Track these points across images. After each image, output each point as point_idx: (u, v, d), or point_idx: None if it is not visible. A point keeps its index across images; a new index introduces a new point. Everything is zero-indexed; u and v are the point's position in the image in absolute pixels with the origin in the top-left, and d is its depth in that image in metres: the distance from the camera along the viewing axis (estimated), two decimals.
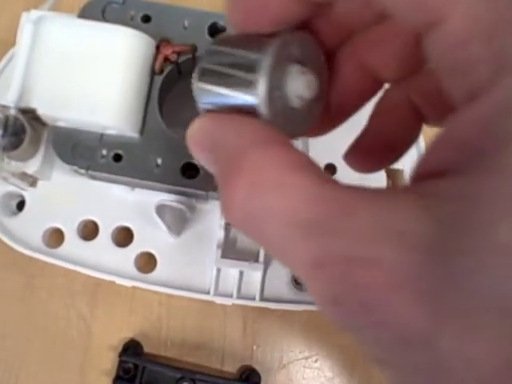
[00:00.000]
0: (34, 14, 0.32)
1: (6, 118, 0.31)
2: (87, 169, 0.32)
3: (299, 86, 0.17)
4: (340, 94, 0.19)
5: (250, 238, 0.15)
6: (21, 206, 0.38)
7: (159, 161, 0.33)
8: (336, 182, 0.14)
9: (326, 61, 0.18)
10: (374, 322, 0.12)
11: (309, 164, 0.15)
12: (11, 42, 0.38)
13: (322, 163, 0.37)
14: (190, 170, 0.33)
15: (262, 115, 0.16)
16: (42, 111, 0.31)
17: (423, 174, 0.14)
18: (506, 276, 0.11)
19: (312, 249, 0.13)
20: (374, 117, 0.20)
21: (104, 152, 0.33)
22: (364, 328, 0.13)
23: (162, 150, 0.33)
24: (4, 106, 0.31)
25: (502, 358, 0.11)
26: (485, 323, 0.11)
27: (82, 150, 0.32)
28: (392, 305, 0.12)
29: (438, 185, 0.13)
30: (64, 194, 0.37)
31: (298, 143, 0.40)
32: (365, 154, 0.20)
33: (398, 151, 0.19)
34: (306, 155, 0.15)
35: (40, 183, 0.37)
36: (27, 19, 0.32)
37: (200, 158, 0.17)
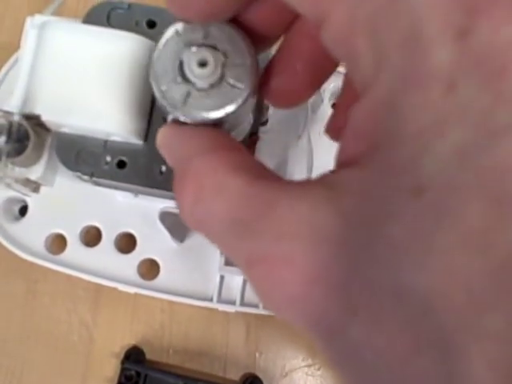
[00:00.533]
0: (39, 19, 0.32)
1: (10, 125, 0.31)
2: (91, 175, 0.32)
3: (192, 64, 0.19)
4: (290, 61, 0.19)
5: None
6: (23, 210, 0.38)
7: (163, 168, 0.32)
8: (269, 179, 0.15)
9: (251, 45, 0.19)
10: (300, 316, 0.13)
11: (248, 165, 0.15)
12: (15, 46, 0.38)
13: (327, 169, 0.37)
14: None
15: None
16: (46, 117, 0.31)
17: (338, 163, 0.14)
18: (397, 267, 0.11)
19: (243, 249, 0.14)
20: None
21: (108, 159, 0.32)
22: (294, 321, 0.13)
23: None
24: (8, 112, 0.30)
25: (403, 346, 0.11)
26: (385, 314, 0.11)
27: (86, 157, 0.32)
28: (309, 299, 0.13)
29: (343, 176, 0.13)
30: (67, 200, 0.37)
31: (303, 154, 0.39)
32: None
33: None
34: (251, 157, 0.16)
35: (43, 189, 0.36)
36: (32, 24, 0.32)
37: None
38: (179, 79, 0.19)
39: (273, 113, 0.36)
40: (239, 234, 0.14)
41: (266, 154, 0.37)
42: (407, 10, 0.11)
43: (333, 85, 0.38)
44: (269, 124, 0.38)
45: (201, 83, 0.19)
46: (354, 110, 0.13)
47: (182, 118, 0.19)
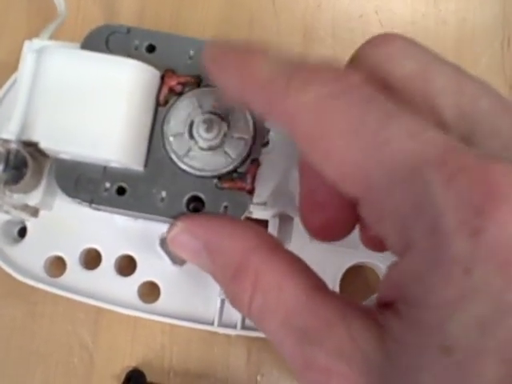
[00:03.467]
0: (37, 43, 0.31)
1: (8, 152, 0.30)
2: (90, 202, 0.32)
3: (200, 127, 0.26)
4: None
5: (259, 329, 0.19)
6: (22, 232, 0.37)
7: (163, 194, 0.32)
8: (324, 291, 0.18)
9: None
10: None
11: (304, 271, 0.18)
12: (12, 66, 0.37)
13: None
14: (195, 202, 0.32)
15: None
16: (45, 145, 0.30)
17: (379, 301, 0.17)
18: None
19: (302, 354, 0.17)
20: None
21: (107, 185, 0.32)
22: None
23: (167, 182, 0.32)
24: (5, 141, 0.30)
25: None
26: None
27: (85, 183, 0.32)
28: None
29: (387, 319, 0.16)
30: (66, 222, 0.37)
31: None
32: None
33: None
34: (303, 261, 0.19)
35: (42, 212, 0.36)
36: (29, 48, 0.31)
37: (190, 259, 0.22)
38: (186, 136, 0.26)
39: (274, 134, 0.36)
40: (299, 338, 0.17)
41: (267, 173, 0.37)
42: (431, 206, 0.14)
43: None
44: (270, 144, 0.38)
45: (202, 143, 0.22)
46: (391, 266, 0.16)
47: (182, 167, 0.22)
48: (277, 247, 0.19)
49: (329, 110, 0.16)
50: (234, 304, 0.19)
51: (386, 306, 0.16)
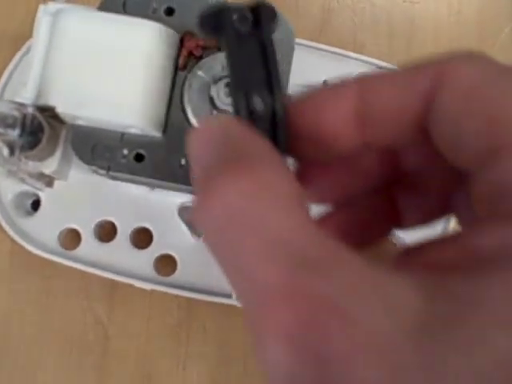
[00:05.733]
0: (52, 6, 0.31)
1: (24, 117, 0.30)
2: (108, 169, 0.31)
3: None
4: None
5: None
6: (35, 205, 0.37)
7: (183, 161, 0.31)
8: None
9: None
10: (323, 379, 0.11)
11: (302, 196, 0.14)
12: (26, 37, 0.36)
13: None
14: None
15: None
16: (61, 109, 0.30)
17: (424, 263, 0.14)
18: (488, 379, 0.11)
19: (288, 277, 0.12)
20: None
21: (125, 152, 0.31)
22: (306, 382, 0.11)
23: (186, 149, 0.31)
24: (21, 104, 0.29)
25: None
26: None
27: (102, 150, 0.31)
28: (355, 369, 0.11)
29: (443, 280, 0.13)
30: (81, 194, 0.36)
31: None
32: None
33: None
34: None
35: (56, 183, 0.35)
36: (45, 12, 0.31)
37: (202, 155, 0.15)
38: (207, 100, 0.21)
39: None
40: (290, 262, 0.12)
41: None
42: None
43: None
44: None
45: (223, 107, 0.20)
46: (474, 233, 0.14)
47: None
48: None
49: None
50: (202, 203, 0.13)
51: (431, 266, 0.13)
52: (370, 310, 0.11)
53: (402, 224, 0.19)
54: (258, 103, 0.16)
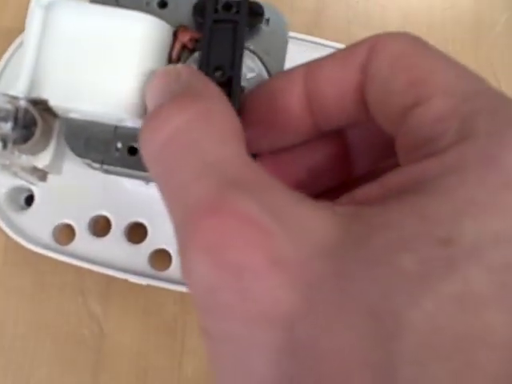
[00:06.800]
0: None
1: (16, 110, 0.29)
2: (101, 163, 0.31)
3: None
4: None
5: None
6: (29, 200, 0.37)
7: None
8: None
9: None
10: (238, 290, 0.12)
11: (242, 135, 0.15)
12: (19, 31, 0.36)
13: None
14: None
15: None
16: (54, 102, 0.29)
17: (347, 202, 0.15)
18: (389, 291, 0.11)
19: (215, 193, 0.13)
20: None
21: (119, 145, 0.31)
22: (223, 293, 0.12)
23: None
24: (13, 97, 0.29)
25: (355, 357, 0.11)
26: (350, 322, 0.11)
27: (96, 143, 0.31)
28: (269, 281, 0.12)
29: (359, 210, 0.13)
30: (75, 189, 0.36)
31: None
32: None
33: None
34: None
35: (50, 177, 0.35)
36: (37, 5, 0.30)
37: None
38: None
39: None
40: (219, 180, 0.13)
41: None
42: None
43: None
44: None
45: None
46: (398, 172, 0.14)
47: None
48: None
49: None
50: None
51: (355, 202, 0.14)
52: (288, 228, 0.12)
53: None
54: (219, 76, 0.19)
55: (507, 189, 0.12)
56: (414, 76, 0.15)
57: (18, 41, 0.36)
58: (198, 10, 0.21)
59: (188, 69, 0.17)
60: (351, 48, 0.17)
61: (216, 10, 0.23)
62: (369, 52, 0.16)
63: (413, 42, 0.16)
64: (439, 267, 0.11)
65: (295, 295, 0.12)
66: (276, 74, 0.19)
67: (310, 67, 0.18)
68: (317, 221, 0.13)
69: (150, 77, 0.18)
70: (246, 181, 0.13)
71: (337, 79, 0.17)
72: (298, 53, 0.37)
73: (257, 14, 0.29)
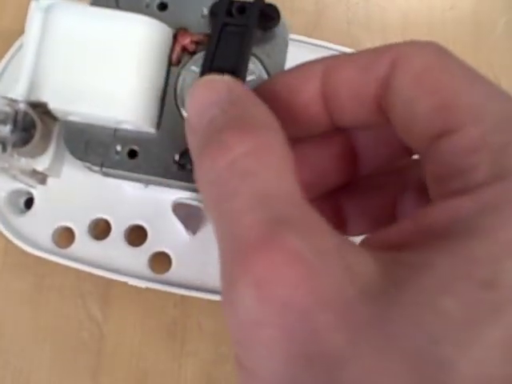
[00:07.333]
0: (44, 2, 0.30)
1: (16, 113, 0.29)
2: (101, 166, 0.31)
3: None
4: None
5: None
6: (29, 203, 0.36)
7: (176, 157, 0.31)
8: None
9: None
10: (282, 327, 0.12)
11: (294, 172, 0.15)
12: (18, 33, 0.36)
13: None
14: None
15: None
16: (54, 105, 0.29)
17: (382, 243, 0.15)
18: (435, 336, 0.11)
19: (265, 227, 0.13)
20: None
21: (118, 148, 0.31)
22: (267, 328, 0.13)
23: (180, 145, 0.31)
24: (13, 100, 0.29)
25: None
26: (395, 368, 0.11)
27: (95, 146, 0.31)
28: (313, 320, 0.12)
29: (398, 254, 0.14)
30: (74, 192, 0.36)
31: None
32: None
33: None
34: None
35: (49, 180, 0.35)
36: (36, 7, 0.30)
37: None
38: None
39: None
40: (268, 217, 0.13)
41: None
42: None
43: None
44: None
45: None
46: (428, 212, 0.14)
47: None
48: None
49: None
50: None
51: (388, 247, 0.14)
52: (332, 267, 0.13)
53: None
54: None
55: None
56: (440, 100, 0.15)
57: (17, 43, 0.36)
58: (214, 13, 0.21)
59: (238, 85, 0.17)
60: (372, 55, 0.17)
61: (230, 13, 0.22)
62: (391, 66, 0.16)
63: (437, 55, 0.16)
64: (484, 311, 0.11)
65: (340, 337, 0.12)
66: (290, 69, 0.18)
67: (329, 67, 0.17)
68: (360, 265, 0.13)
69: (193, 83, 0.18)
70: (296, 219, 0.13)
71: (356, 86, 0.17)
72: (298, 54, 0.37)
73: (270, 17, 0.28)
